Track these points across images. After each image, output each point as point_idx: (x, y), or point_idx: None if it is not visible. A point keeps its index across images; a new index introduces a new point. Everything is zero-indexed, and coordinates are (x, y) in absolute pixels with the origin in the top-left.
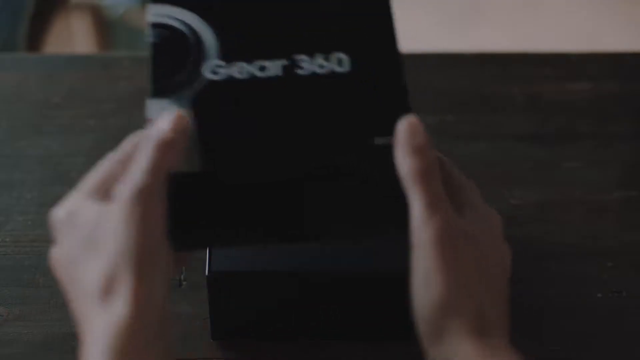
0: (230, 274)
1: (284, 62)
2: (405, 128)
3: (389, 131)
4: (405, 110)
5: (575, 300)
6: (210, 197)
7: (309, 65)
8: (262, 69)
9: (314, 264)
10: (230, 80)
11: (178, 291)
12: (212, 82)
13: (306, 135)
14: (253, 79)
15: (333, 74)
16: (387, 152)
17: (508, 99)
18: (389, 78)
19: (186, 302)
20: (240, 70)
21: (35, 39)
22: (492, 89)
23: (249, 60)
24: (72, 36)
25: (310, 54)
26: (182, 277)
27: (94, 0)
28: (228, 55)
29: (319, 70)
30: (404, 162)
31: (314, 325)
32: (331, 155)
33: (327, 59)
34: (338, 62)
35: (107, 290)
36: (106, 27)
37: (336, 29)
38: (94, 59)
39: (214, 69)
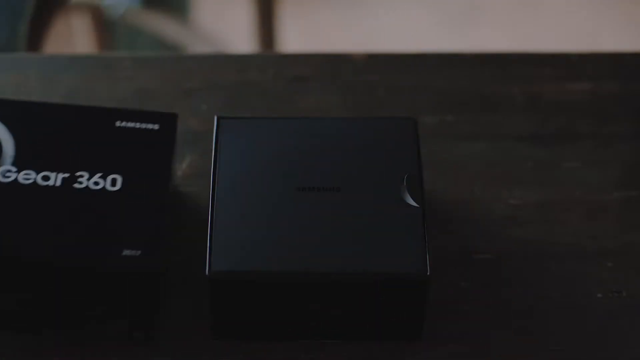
0: (231, 273)
1: (65, 175)
2: None
3: (137, 246)
4: (158, 229)
5: (575, 300)
6: None
7: (86, 181)
8: (46, 178)
9: (315, 264)
10: (14, 185)
11: (178, 291)
12: None
13: (68, 241)
14: (34, 185)
15: (104, 192)
16: (134, 262)
17: (508, 99)
18: (151, 202)
19: (186, 302)
20: (26, 177)
21: (35, 39)
22: (492, 89)
23: (37, 169)
24: (72, 36)
25: (91, 172)
26: (182, 277)
27: (94, 0)
28: (20, 163)
29: (93, 187)
30: None
31: (315, 325)
32: (85, 262)
33: (103, 177)
34: (112, 182)
35: None
36: (106, 27)
37: (117, 153)
38: (95, 59)
39: (5, 173)
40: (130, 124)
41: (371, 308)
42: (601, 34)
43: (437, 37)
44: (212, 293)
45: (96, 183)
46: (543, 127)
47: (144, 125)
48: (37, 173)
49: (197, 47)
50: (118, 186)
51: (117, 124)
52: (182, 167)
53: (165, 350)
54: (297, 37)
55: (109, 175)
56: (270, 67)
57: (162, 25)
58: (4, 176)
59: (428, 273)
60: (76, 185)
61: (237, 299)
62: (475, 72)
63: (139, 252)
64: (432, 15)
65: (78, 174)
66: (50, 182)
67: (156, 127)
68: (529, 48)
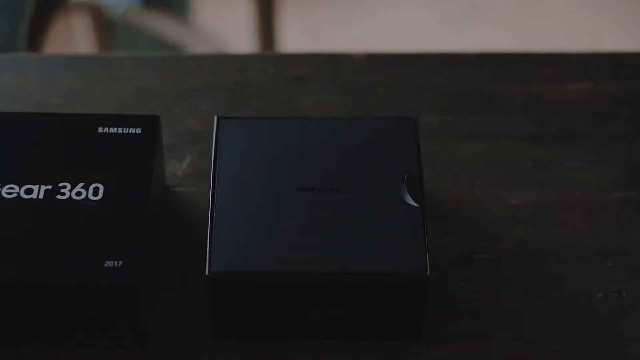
0: (231, 273)
1: (48, 187)
2: None
3: (119, 256)
4: (140, 238)
5: (575, 300)
6: None
7: (68, 192)
8: (29, 191)
9: (315, 264)
10: None
11: (177, 291)
12: None
13: (49, 254)
14: (17, 199)
15: (87, 202)
16: (115, 273)
17: (508, 99)
18: (133, 211)
19: (186, 302)
20: (9, 190)
21: (35, 39)
22: (492, 89)
23: (19, 182)
24: (72, 36)
25: (73, 182)
26: (183, 276)
27: (94, 0)
28: (3, 176)
29: (75, 197)
30: None
31: (315, 325)
32: (68, 277)
33: (86, 187)
34: (94, 191)
35: None
36: (106, 27)
37: (100, 161)
38: (95, 59)
39: None
40: (112, 130)
41: (371, 308)
42: (601, 34)
43: (437, 37)
44: (212, 293)
45: (78, 193)
46: (543, 127)
47: (126, 130)
48: (20, 187)
49: (197, 47)
50: (100, 195)
51: (100, 130)
52: (182, 167)
53: (165, 351)
54: (297, 37)
55: (91, 184)
56: (270, 67)
57: (162, 25)
58: None
59: (428, 273)
60: (59, 197)
61: (237, 299)
62: (475, 72)
63: (120, 263)
64: (432, 15)
65: (61, 184)
66: (34, 195)
67: (138, 130)
68: (529, 48)
